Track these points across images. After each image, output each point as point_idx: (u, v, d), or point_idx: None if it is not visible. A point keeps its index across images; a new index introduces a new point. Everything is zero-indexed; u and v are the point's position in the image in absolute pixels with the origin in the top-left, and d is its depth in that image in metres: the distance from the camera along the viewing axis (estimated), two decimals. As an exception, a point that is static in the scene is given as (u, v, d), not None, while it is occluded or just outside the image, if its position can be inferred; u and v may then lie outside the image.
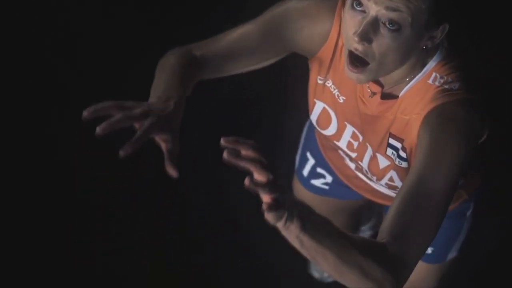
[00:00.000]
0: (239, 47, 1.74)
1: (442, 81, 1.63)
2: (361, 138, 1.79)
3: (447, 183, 1.52)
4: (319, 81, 1.79)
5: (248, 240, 2.79)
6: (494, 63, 3.03)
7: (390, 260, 1.45)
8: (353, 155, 1.84)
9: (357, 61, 1.57)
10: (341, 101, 1.77)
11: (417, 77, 1.64)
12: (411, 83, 1.65)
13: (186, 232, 2.83)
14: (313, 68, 1.80)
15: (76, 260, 2.75)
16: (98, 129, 1.37)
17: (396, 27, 1.52)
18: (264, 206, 1.34)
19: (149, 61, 3.02)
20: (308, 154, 2.24)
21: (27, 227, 2.80)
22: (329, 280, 2.75)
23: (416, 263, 1.49)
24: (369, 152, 1.79)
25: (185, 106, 1.54)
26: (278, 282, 2.76)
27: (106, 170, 2.90)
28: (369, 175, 1.86)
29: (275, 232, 2.69)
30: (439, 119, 1.58)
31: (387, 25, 1.52)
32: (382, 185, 1.84)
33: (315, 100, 1.82)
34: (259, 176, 1.32)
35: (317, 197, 2.29)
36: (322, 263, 1.42)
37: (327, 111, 1.81)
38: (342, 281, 1.45)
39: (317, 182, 2.26)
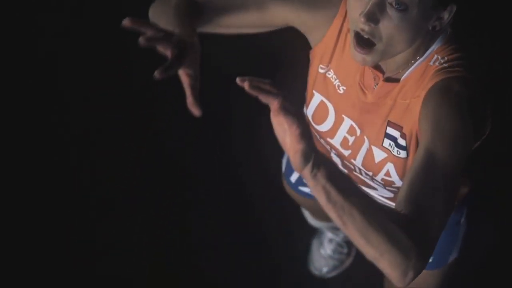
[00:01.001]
0: (240, 3, 1.73)
1: (442, 61, 1.63)
2: (358, 132, 1.77)
3: (454, 154, 1.51)
4: (320, 70, 1.78)
5: (248, 239, 2.79)
6: (496, 54, 3.03)
7: (414, 229, 1.41)
8: (347, 153, 1.82)
9: (363, 42, 1.57)
10: (341, 91, 1.76)
11: (419, 61, 1.64)
12: (412, 67, 1.64)
13: (185, 233, 2.82)
14: (315, 57, 1.79)
15: (75, 260, 2.76)
16: (141, 40, 1.40)
17: (403, 7, 1.52)
18: (294, 132, 1.33)
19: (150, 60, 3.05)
20: None
21: (27, 227, 2.80)
22: (329, 276, 2.75)
23: (437, 239, 1.46)
24: (365, 146, 1.77)
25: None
26: (278, 281, 2.75)
27: (105, 170, 2.90)
28: (363, 174, 1.84)
29: (274, 231, 2.72)
30: (438, 94, 1.58)
31: (394, 5, 1.52)
32: (377, 182, 1.82)
33: (313, 91, 1.81)
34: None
35: (307, 200, 2.30)
36: (348, 224, 1.38)
37: (324, 104, 1.80)
38: (367, 248, 1.40)
39: (305, 189, 2.25)
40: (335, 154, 1.90)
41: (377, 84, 1.69)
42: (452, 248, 2.10)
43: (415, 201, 1.45)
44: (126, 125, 2.97)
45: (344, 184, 1.38)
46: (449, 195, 1.49)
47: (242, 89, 1.34)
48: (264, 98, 1.33)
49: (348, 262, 2.75)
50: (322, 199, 1.38)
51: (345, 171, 1.94)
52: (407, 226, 1.41)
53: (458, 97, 1.57)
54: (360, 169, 1.83)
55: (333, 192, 1.36)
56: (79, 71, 3.05)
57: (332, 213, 1.39)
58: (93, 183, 2.88)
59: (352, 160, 1.82)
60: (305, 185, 2.23)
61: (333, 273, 2.75)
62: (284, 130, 1.36)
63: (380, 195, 1.92)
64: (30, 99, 3.00)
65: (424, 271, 2.06)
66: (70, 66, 3.06)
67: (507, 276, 2.74)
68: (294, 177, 2.26)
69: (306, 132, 1.34)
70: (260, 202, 2.81)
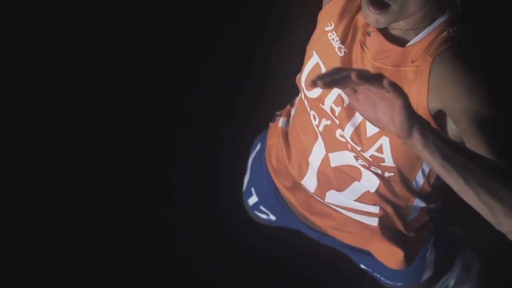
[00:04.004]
0: None
1: (451, 30, 1.60)
2: (346, 102, 1.72)
3: (500, 103, 1.49)
4: (327, 28, 1.74)
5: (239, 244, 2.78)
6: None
7: None
8: (337, 121, 1.76)
9: (377, 2, 1.53)
10: (342, 54, 1.71)
11: (425, 30, 1.61)
12: (418, 36, 1.61)
13: (179, 233, 2.82)
14: (324, 16, 1.76)
15: (68, 261, 2.75)
16: None
17: None
18: (388, 94, 1.27)
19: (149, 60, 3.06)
20: (253, 190, 2.18)
21: (24, 227, 2.80)
22: None
23: None
24: (355, 118, 1.72)
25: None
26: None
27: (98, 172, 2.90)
28: (351, 148, 1.78)
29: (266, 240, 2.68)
30: (452, 57, 1.55)
31: None
32: (364, 160, 1.75)
33: (313, 52, 1.77)
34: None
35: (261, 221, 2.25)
36: (470, 180, 1.33)
37: (318, 67, 1.76)
38: (495, 205, 1.34)
39: (261, 215, 2.20)
40: (320, 130, 1.83)
41: (370, 33, 1.65)
42: (422, 273, 2.06)
43: (501, 156, 1.42)
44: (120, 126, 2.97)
45: (447, 139, 1.33)
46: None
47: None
48: (341, 86, 1.27)
49: None
50: (437, 159, 1.31)
51: (315, 182, 1.91)
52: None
53: (473, 56, 1.55)
54: (350, 144, 1.77)
55: (447, 149, 1.30)
56: (78, 70, 3.05)
57: (451, 173, 1.32)
58: (88, 182, 2.88)
59: (341, 131, 1.76)
60: (261, 211, 2.18)
61: None
62: (373, 105, 1.30)
63: (352, 197, 1.88)
64: (29, 97, 3.00)
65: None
66: (69, 65, 3.06)
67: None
68: (252, 201, 2.19)
69: (398, 86, 1.27)
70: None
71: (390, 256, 1.97)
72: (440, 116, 1.61)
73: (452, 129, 1.62)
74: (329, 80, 1.24)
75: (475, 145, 1.46)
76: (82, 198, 2.85)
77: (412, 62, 1.61)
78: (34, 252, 2.76)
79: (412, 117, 1.28)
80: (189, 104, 2.99)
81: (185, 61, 3.04)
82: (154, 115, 2.98)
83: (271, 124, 2.08)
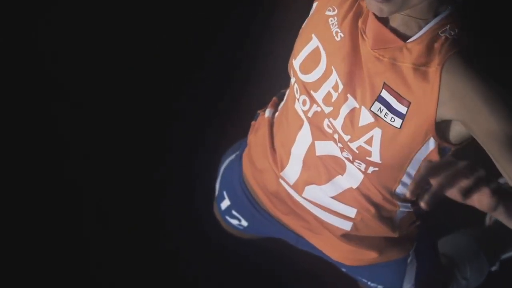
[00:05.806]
0: None
1: (452, 33, 1.59)
2: (341, 87, 1.70)
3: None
4: (328, 13, 1.72)
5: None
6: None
7: None
8: (327, 110, 1.73)
9: None
10: (338, 38, 1.69)
11: (427, 26, 1.60)
12: (419, 32, 1.60)
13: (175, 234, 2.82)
14: (325, 2, 1.74)
15: (66, 261, 2.75)
16: None
17: None
18: (490, 191, 1.31)
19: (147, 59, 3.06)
20: (225, 193, 2.15)
21: (23, 227, 2.80)
22: None
23: None
24: (347, 106, 1.69)
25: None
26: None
27: (99, 170, 2.90)
28: (339, 139, 1.74)
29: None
30: (464, 67, 1.55)
31: None
32: (349, 151, 1.72)
33: (312, 34, 1.75)
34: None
35: (231, 229, 2.23)
36: None
37: (318, 51, 1.73)
38: None
39: (232, 221, 2.16)
40: (309, 116, 1.80)
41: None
42: (403, 277, 2.04)
43: None
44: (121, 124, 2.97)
45: None
46: None
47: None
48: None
49: None
50: None
51: (297, 173, 1.89)
52: None
53: (484, 64, 1.55)
54: (337, 133, 1.74)
55: None
56: (78, 70, 3.04)
57: None
58: (88, 183, 2.87)
59: (332, 120, 1.73)
60: (232, 216, 2.15)
61: None
62: (458, 187, 1.32)
63: (331, 191, 1.85)
64: (29, 98, 3.00)
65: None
66: (70, 65, 3.06)
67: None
68: (224, 205, 2.16)
69: (484, 172, 1.31)
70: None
71: (361, 257, 1.97)
72: (444, 122, 1.61)
73: (455, 131, 1.62)
74: (432, 197, 1.27)
75: (508, 168, 1.49)
76: (82, 199, 2.85)
77: (412, 60, 1.60)
78: (34, 253, 2.76)
79: (499, 197, 1.32)
80: (189, 104, 2.99)
81: (185, 61, 3.04)
82: (154, 116, 2.98)
83: (252, 123, 2.05)
